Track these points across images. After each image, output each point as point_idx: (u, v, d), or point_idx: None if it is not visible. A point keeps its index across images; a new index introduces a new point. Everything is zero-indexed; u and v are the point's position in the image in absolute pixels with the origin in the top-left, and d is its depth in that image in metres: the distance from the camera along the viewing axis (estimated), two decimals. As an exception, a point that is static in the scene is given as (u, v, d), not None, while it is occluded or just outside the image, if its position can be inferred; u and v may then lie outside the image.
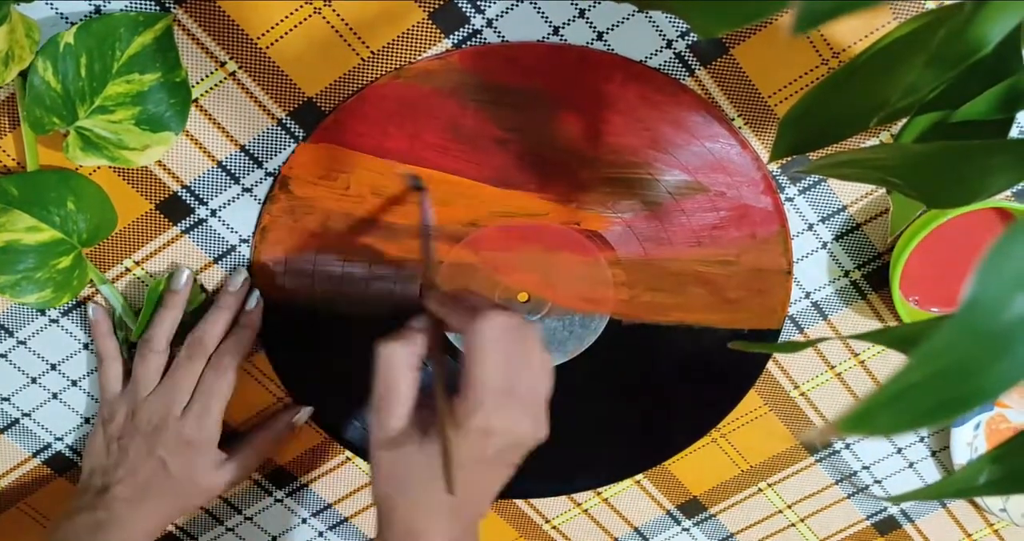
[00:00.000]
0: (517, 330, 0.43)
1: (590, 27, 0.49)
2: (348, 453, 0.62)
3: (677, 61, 0.50)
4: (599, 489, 0.63)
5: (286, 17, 0.48)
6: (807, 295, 0.57)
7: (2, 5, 0.42)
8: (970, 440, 0.61)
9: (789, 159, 0.53)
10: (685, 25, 0.50)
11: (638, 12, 0.49)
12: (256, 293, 0.55)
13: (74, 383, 0.58)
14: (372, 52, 0.50)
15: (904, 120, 0.41)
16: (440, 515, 0.45)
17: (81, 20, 0.47)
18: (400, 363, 0.44)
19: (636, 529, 0.65)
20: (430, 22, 0.49)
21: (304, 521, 0.64)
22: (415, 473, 0.44)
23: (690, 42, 0.50)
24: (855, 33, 0.50)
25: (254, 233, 0.54)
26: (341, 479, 0.63)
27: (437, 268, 0.51)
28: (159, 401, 0.53)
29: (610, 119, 0.51)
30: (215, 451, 0.55)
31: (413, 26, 0.49)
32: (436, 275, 0.50)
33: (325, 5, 0.48)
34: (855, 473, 0.64)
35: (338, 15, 0.48)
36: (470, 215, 0.53)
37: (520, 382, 0.43)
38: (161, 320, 0.53)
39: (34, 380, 0.57)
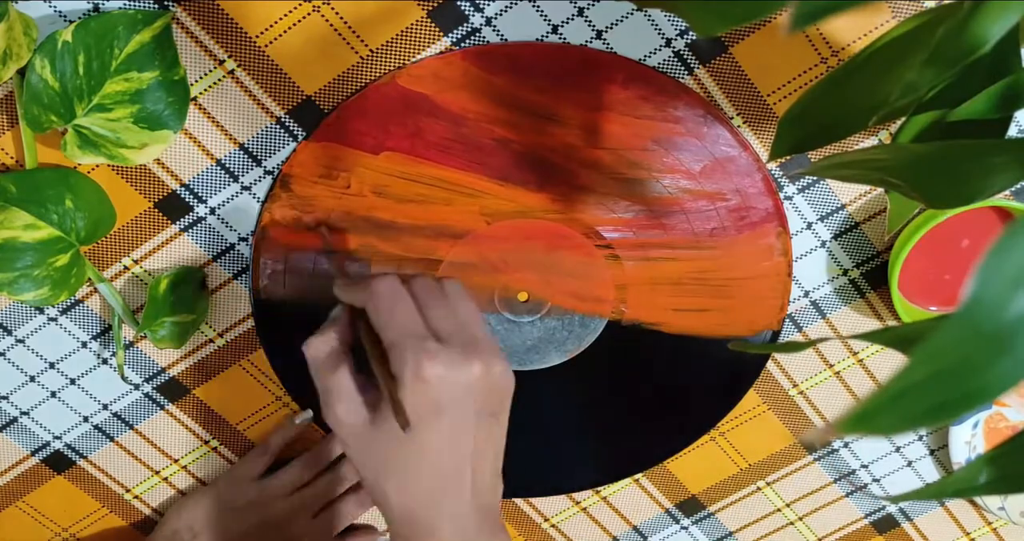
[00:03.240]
0: (420, 285, 0.44)
1: (589, 26, 0.49)
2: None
3: (676, 60, 0.50)
4: (598, 488, 0.63)
5: (285, 15, 0.48)
6: (806, 294, 0.57)
7: (1, 3, 0.42)
8: (968, 439, 0.61)
9: (788, 158, 0.53)
10: (684, 24, 0.50)
11: (637, 10, 0.49)
12: None
13: (73, 382, 0.58)
14: (371, 50, 0.50)
15: (903, 119, 0.41)
16: (436, 495, 0.42)
17: (80, 18, 0.47)
18: (325, 354, 0.44)
19: (635, 527, 0.65)
20: (429, 20, 0.49)
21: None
22: (390, 457, 0.42)
23: (689, 41, 0.50)
24: (854, 32, 0.50)
25: (254, 232, 0.54)
26: (340, 478, 0.63)
27: (341, 259, 0.52)
28: (298, 502, 0.58)
29: (610, 119, 0.51)
30: None
31: (412, 24, 0.49)
32: (340, 266, 0.52)
33: (324, 3, 0.48)
34: (853, 472, 0.64)
35: (337, 13, 0.48)
36: (470, 214, 0.53)
37: (440, 326, 0.42)
38: (336, 444, 0.59)
39: (32, 378, 0.57)
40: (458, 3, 0.49)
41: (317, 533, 0.59)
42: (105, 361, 0.57)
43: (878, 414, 0.20)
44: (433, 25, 0.49)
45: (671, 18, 0.49)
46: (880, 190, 0.54)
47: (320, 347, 0.44)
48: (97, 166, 0.52)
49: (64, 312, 0.55)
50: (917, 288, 0.55)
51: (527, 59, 0.50)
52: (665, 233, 0.54)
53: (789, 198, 0.54)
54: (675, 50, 0.50)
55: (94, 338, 0.56)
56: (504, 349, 0.57)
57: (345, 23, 0.49)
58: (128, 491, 0.62)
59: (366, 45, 0.49)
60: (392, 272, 0.44)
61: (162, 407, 0.59)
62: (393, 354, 0.41)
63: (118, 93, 0.47)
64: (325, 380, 0.44)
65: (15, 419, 0.59)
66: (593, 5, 0.49)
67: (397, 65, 0.50)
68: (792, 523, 0.66)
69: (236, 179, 0.53)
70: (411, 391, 0.40)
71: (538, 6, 0.49)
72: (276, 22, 0.48)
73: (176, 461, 0.61)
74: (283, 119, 0.51)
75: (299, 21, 0.48)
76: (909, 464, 0.63)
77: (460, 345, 0.42)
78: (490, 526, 0.44)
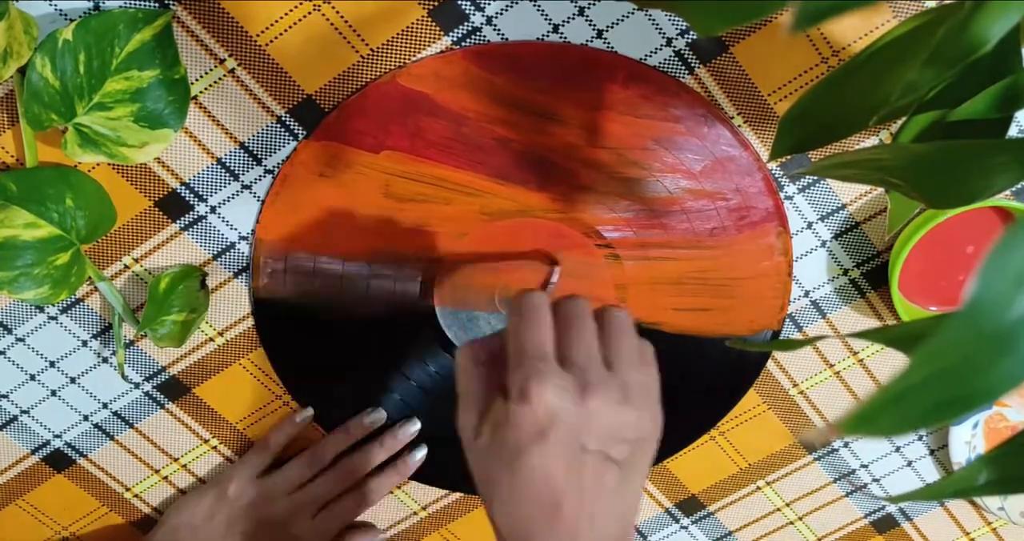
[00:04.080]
0: (567, 308, 0.42)
1: (589, 25, 0.49)
2: (347, 451, 0.62)
3: (677, 59, 0.50)
4: (598, 487, 0.63)
5: (285, 14, 0.48)
6: (806, 293, 0.57)
7: (1, 2, 0.42)
8: (968, 439, 0.61)
9: (789, 158, 0.53)
10: (685, 23, 0.50)
11: (637, 10, 0.49)
12: (424, 448, 0.60)
13: (73, 380, 0.58)
14: (371, 49, 0.50)
15: (903, 119, 0.41)
16: (535, 525, 0.40)
17: (80, 17, 0.47)
18: (469, 360, 0.43)
19: (635, 527, 0.65)
20: (429, 19, 0.49)
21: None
22: (496, 475, 0.41)
23: (690, 40, 0.50)
24: (855, 31, 0.50)
25: (254, 230, 0.54)
26: (340, 477, 0.63)
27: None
28: (298, 500, 0.58)
29: (611, 118, 0.51)
30: None
31: (412, 23, 0.49)
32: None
33: (324, 2, 0.48)
34: (853, 471, 0.64)
35: (337, 12, 0.48)
36: (471, 213, 0.53)
37: (573, 352, 0.40)
38: (336, 442, 0.59)
39: (33, 377, 0.57)
40: (459, 2, 0.49)
41: (317, 532, 0.59)
42: (105, 360, 0.57)
43: (879, 414, 0.20)
44: (434, 24, 0.49)
45: (672, 18, 0.49)
46: (880, 190, 0.54)
47: (466, 353, 0.43)
48: (97, 165, 0.52)
49: (64, 311, 0.55)
50: (917, 288, 0.55)
51: (528, 58, 0.50)
52: (665, 233, 0.54)
53: (789, 198, 0.54)
54: (676, 49, 0.50)
55: (94, 337, 0.56)
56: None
57: (346, 22, 0.49)
58: (128, 490, 0.62)
59: (367, 44, 0.49)
60: (541, 292, 0.43)
61: (162, 406, 0.59)
62: (509, 369, 0.40)
63: (118, 92, 0.47)
64: (460, 386, 0.43)
65: (15, 417, 0.59)
66: (594, 4, 0.49)
67: (397, 64, 0.50)
68: (792, 523, 0.66)
69: (236, 178, 0.52)
70: (514, 410, 0.39)
71: (539, 5, 0.49)
72: (277, 21, 0.48)
73: (176, 460, 0.61)
74: (283, 118, 0.51)
75: (300, 20, 0.48)
76: (909, 464, 0.63)
77: (583, 376, 0.40)
78: None
